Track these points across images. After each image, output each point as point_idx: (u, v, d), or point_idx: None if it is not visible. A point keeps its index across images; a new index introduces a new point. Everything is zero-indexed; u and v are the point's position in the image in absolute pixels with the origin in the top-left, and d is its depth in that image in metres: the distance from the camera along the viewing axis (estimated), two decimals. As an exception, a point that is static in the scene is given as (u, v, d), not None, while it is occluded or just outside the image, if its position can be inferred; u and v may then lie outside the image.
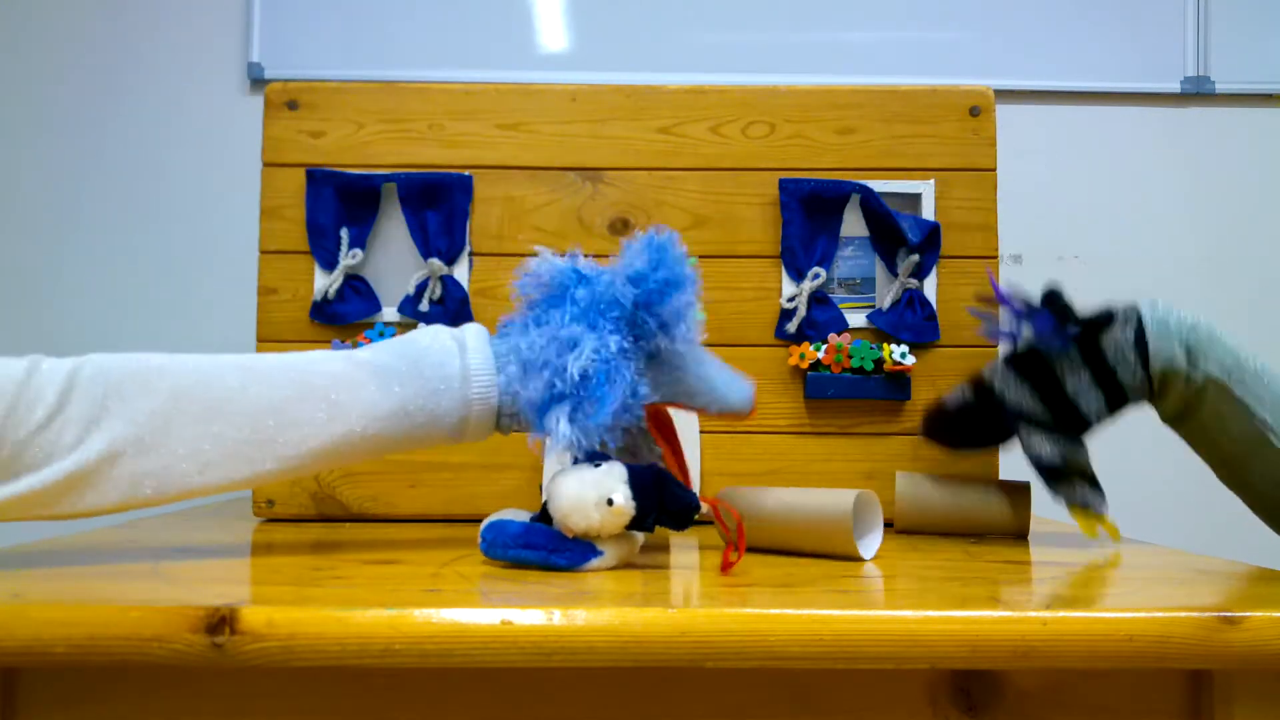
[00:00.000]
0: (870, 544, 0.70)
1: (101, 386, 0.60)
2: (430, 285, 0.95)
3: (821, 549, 0.69)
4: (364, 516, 0.94)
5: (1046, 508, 0.85)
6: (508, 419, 0.69)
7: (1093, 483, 0.77)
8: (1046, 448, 0.76)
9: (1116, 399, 0.76)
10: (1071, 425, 0.76)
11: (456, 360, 0.68)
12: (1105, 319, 0.76)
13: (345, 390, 0.65)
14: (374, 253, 0.97)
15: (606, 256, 0.96)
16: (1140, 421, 0.79)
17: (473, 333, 0.70)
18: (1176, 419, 0.76)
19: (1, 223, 1.41)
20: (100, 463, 0.59)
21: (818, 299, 0.96)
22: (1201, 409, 0.74)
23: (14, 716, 0.52)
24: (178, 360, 0.63)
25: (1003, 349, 0.81)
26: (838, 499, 0.69)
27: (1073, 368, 0.75)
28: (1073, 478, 0.76)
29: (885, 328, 0.96)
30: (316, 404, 0.64)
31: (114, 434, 0.59)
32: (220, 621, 0.47)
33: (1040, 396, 0.76)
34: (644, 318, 0.68)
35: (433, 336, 0.69)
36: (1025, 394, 0.77)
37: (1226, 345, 0.73)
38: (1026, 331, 0.78)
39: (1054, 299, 0.77)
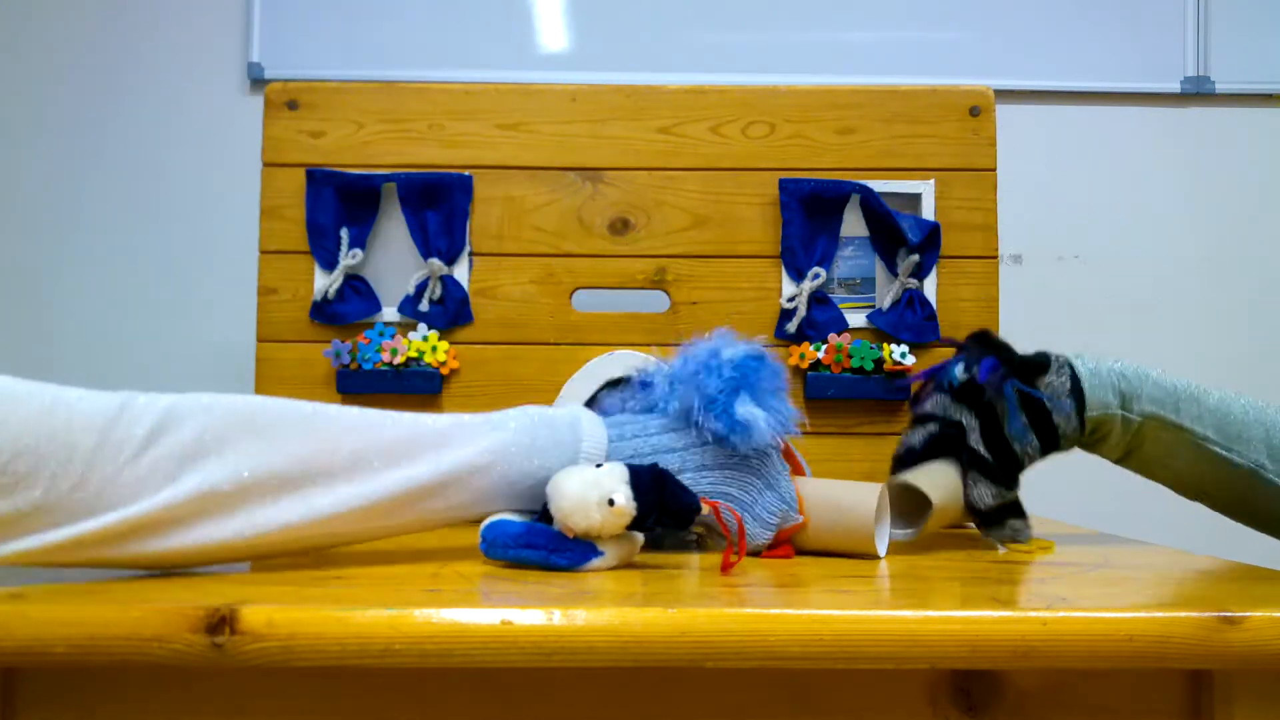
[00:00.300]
0: (882, 540, 0.70)
1: (197, 426, 0.58)
2: (430, 285, 0.95)
3: (838, 548, 0.69)
4: (364, 516, 0.94)
5: (1046, 506, 0.84)
6: None
7: (1018, 513, 0.79)
8: (988, 498, 0.77)
9: (1050, 442, 0.77)
10: (1007, 466, 0.77)
11: (569, 417, 0.68)
12: (1042, 363, 0.78)
13: (456, 430, 0.64)
14: (374, 253, 0.97)
15: (606, 256, 0.97)
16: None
17: (583, 409, 0.71)
18: (1124, 459, 0.79)
19: (2, 223, 1.40)
20: (191, 504, 0.56)
21: (818, 299, 0.96)
22: (1145, 445, 0.77)
23: (14, 716, 0.52)
24: (273, 403, 0.61)
25: (938, 385, 0.81)
26: (858, 498, 0.69)
27: (1012, 410, 0.77)
28: (1004, 519, 0.77)
29: (885, 328, 0.96)
30: (425, 443, 0.63)
31: (209, 475, 0.57)
32: (220, 621, 0.47)
33: (982, 434, 0.78)
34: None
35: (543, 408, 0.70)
36: (976, 433, 0.78)
37: (1155, 380, 0.76)
38: (965, 371, 0.78)
39: (988, 339, 0.79)
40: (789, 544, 0.70)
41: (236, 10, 1.41)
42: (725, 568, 0.63)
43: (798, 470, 0.75)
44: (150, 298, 1.40)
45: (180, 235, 1.41)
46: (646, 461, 0.67)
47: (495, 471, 0.64)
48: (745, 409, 0.69)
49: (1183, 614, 0.49)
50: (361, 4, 1.40)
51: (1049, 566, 0.67)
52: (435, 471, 0.62)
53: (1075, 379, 0.76)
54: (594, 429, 0.69)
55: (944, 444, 0.78)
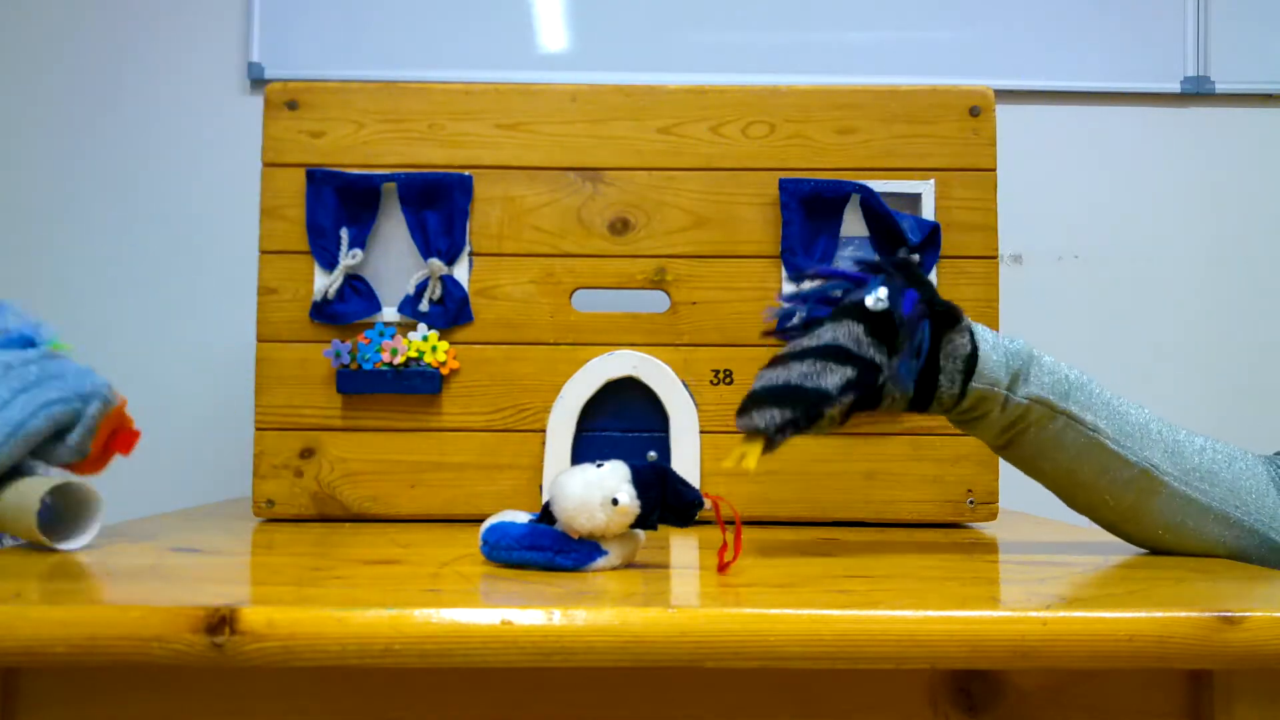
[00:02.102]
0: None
1: None
2: (430, 285, 0.95)
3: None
4: (364, 516, 0.94)
5: (1046, 506, 0.84)
6: None
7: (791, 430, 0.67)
8: (831, 379, 0.66)
9: (921, 401, 0.70)
10: (864, 379, 0.67)
11: None
12: (955, 315, 0.69)
13: None
14: (374, 253, 0.97)
15: (606, 257, 0.97)
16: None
17: None
18: (1006, 447, 0.73)
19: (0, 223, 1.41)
20: None
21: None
22: (1029, 431, 0.71)
23: (14, 716, 0.52)
24: None
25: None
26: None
27: (909, 353, 0.67)
28: (775, 438, 0.66)
29: (885, 328, 0.96)
30: None
31: None
32: (220, 621, 0.47)
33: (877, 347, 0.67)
34: None
35: None
36: (888, 373, 0.67)
37: (1048, 365, 0.71)
38: (887, 301, 0.68)
39: (910, 269, 0.70)
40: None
41: (236, 10, 1.41)
42: (722, 568, 0.63)
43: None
44: (150, 298, 1.40)
45: (180, 235, 1.41)
46: None
47: None
48: None
49: (1183, 614, 0.49)
50: (361, 4, 1.40)
51: (1049, 566, 0.67)
52: None
53: (974, 346, 0.69)
54: None
55: (863, 392, 0.68)
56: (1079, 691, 0.54)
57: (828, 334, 0.69)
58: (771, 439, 0.66)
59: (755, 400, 0.68)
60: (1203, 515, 0.71)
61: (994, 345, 0.70)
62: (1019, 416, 0.70)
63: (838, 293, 0.71)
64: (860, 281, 0.71)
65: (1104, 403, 0.71)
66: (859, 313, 0.69)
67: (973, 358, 0.69)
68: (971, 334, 0.70)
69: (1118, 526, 0.74)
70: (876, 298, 0.68)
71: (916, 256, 0.69)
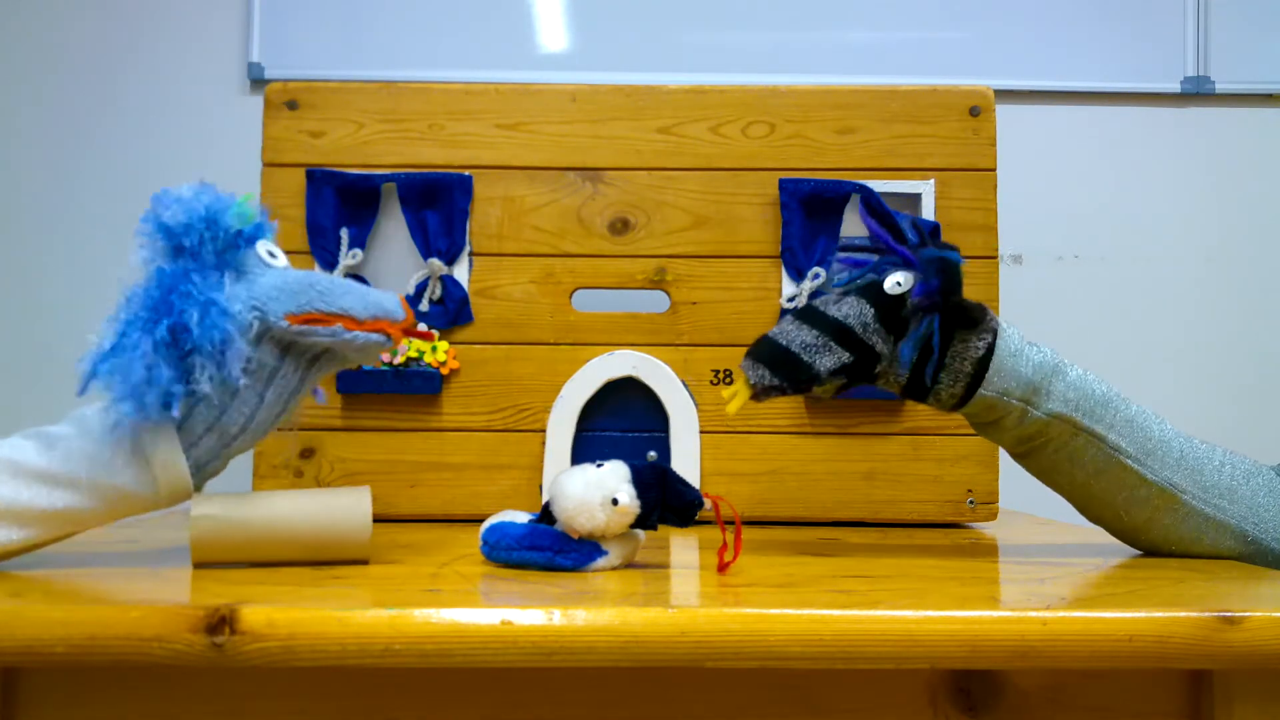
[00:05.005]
0: None
1: None
2: (430, 285, 0.96)
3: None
4: (364, 516, 0.94)
5: (1046, 506, 0.84)
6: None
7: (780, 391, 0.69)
8: (827, 361, 0.67)
9: (916, 390, 0.69)
10: (860, 365, 0.68)
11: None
12: (973, 318, 0.68)
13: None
14: (374, 253, 0.97)
15: (606, 257, 0.97)
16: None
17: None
18: (1023, 456, 0.72)
19: None
20: None
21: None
22: (1048, 446, 0.70)
23: (14, 716, 0.52)
24: None
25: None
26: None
27: (912, 340, 0.68)
28: (768, 393, 0.68)
29: (885, 328, 0.96)
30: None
31: None
32: (220, 621, 0.47)
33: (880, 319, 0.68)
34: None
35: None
36: (886, 364, 0.69)
37: (1072, 378, 0.69)
38: (903, 285, 0.69)
39: (946, 266, 0.69)
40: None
41: (236, 10, 1.41)
42: (722, 568, 0.63)
43: None
44: (150, 298, 1.40)
45: (180, 235, 1.40)
46: None
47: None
48: None
49: (1183, 614, 0.49)
50: (361, 4, 1.40)
51: (1049, 566, 0.67)
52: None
53: (989, 353, 0.68)
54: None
55: (854, 378, 0.69)
56: (1079, 691, 0.54)
57: (842, 308, 0.69)
58: (756, 395, 0.69)
59: (759, 351, 0.70)
60: (1219, 531, 0.70)
61: (1016, 354, 0.69)
62: (1038, 431, 0.69)
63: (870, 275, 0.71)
64: (907, 262, 0.70)
65: (1127, 420, 0.70)
66: (875, 294, 0.69)
67: (983, 363, 0.68)
68: (994, 339, 0.68)
69: (1129, 536, 0.73)
70: (895, 281, 0.69)
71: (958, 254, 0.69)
